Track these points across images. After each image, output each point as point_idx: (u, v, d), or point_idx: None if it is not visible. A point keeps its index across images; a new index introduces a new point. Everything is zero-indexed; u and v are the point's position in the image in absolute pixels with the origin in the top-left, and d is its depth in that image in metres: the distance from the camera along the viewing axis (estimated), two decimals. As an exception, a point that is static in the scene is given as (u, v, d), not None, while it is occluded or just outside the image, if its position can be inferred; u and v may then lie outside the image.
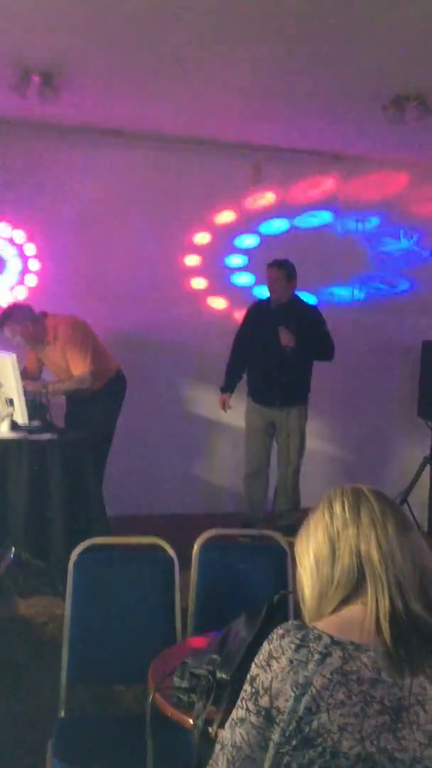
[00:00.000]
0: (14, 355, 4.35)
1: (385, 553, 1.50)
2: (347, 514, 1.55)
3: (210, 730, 1.87)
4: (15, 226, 5.58)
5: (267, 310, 5.32)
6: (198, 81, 4.57)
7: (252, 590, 2.86)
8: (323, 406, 6.01)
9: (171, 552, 2.87)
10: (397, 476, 5.91)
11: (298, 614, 1.65)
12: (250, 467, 5.42)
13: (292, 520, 5.20)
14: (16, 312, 4.87)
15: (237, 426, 5.62)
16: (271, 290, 5.29)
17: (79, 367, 4.86)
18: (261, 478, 5.39)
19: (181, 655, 2.19)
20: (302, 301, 5.41)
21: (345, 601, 1.53)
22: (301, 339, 5.17)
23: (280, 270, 5.23)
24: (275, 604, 2.11)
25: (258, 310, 5.40)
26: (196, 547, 2.95)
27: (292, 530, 4.71)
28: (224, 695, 1.91)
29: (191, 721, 1.95)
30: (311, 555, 1.57)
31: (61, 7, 3.59)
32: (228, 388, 5.39)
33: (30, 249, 5.63)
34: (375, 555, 1.50)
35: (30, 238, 5.62)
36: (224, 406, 5.40)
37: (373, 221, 6.38)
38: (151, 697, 2.10)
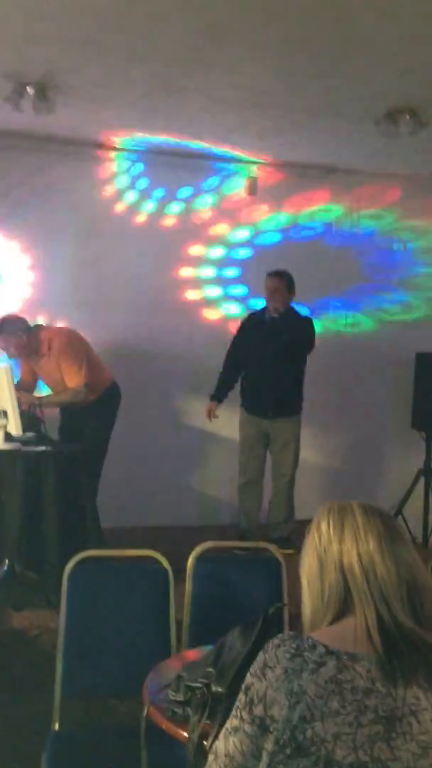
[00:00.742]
0: (9, 366, 4.35)
1: (366, 567, 1.53)
2: (331, 531, 1.59)
3: (205, 743, 1.86)
4: (9, 237, 5.59)
5: (261, 321, 5.33)
6: (192, 94, 4.59)
7: (247, 603, 2.85)
8: (317, 418, 6.01)
9: (166, 564, 2.86)
10: (392, 488, 5.91)
11: (292, 627, 1.66)
12: (243, 478, 5.42)
13: (286, 532, 5.20)
14: (9, 324, 4.87)
15: (232, 437, 5.62)
16: (269, 299, 5.29)
17: (74, 380, 4.86)
18: (255, 488, 5.38)
19: (176, 668, 2.19)
20: (297, 313, 5.42)
21: (339, 615, 1.56)
22: (293, 350, 5.20)
23: (282, 279, 5.26)
24: (270, 616, 2.11)
25: (252, 320, 5.42)
26: (191, 560, 2.94)
27: (286, 542, 4.75)
28: (219, 709, 1.90)
29: (186, 735, 1.94)
30: (305, 574, 1.62)
31: (56, 19, 3.61)
32: (216, 396, 5.40)
33: (25, 260, 5.64)
34: (357, 569, 1.53)
35: (25, 250, 5.63)
36: (210, 414, 5.41)
37: (367, 233, 6.41)
38: (146, 710, 2.09)
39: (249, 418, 5.36)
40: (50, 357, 4.92)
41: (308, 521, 1.68)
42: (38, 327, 5.01)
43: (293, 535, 5.01)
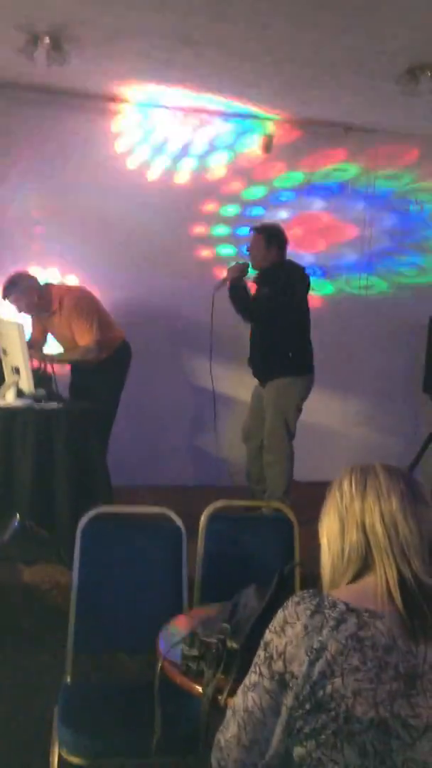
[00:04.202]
0: (22, 323, 4.33)
1: (389, 525, 1.53)
2: (354, 490, 1.58)
3: (219, 698, 1.87)
4: (21, 191, 5.53)
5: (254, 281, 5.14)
6: (209, 46, 4.50)
7: (259, 562, 2.85)
8: (329, 382, 5.97)
9: (179, 522, 2.86)
10: (403, 451, 5.90)
11: (304, 586, 1.66)
12: (243, 430, 5.34)
13: (260, 495, 5.08)
14: (20, 281, 4.84)
15: (242, 399, 5.60)
16: (250, 255, 5.09)
17: (85, 338, 4.84)
18: (249, 444, 5.26)
19: (188, 625, 2.19)
20: (283, 268, 5.04)
21: (358, 575, 1.56)
22: (269, 308, 4.93)
23: (258, 234, 5.04)
24: (285, 575, 2.10)
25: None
26: (203, 518, 2.94)
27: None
28: (234, 664, 1.90)
29: (200, 689, 1.95)
30: (325, 533, 1.61)
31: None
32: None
33: (36, 214, 5.58)
34: (379, 528, 1.53)
35: (36, 204, 5.57)
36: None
37: (383, 194, 6.32)
38: (160, 664, 2.10)
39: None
40: (61, 315, 4.89)
41: (320, 483, 1.68)
42: (49, 284, 4.98)
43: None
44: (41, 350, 5.01)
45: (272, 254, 5.04)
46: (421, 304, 6.20)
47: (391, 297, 6.37)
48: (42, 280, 4.97)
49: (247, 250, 5.11)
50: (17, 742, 2.91)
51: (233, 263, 5.07)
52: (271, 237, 5.04)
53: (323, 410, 5.94)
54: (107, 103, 5.57)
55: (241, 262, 5.03)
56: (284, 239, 5.08)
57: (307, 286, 5.12)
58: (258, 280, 5.07)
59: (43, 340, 5.15)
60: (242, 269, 4.98)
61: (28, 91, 5.28)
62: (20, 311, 4.90)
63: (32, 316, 5.04)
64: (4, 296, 4.84)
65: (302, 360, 5.10)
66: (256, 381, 5.22)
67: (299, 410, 5.11)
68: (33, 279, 4.90)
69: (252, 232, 5.10)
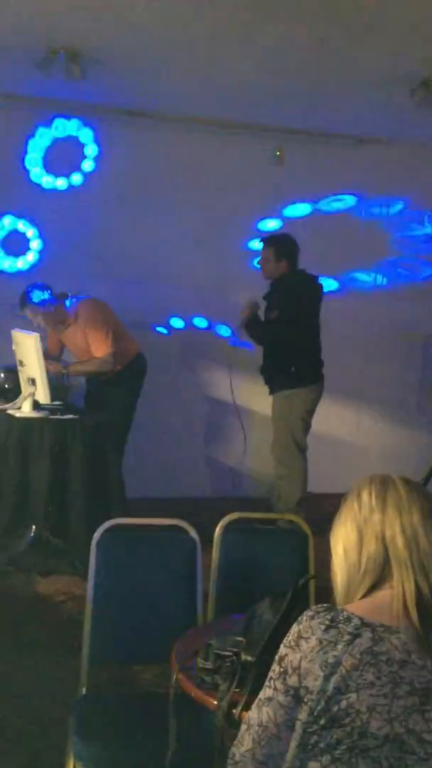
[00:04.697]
0: (37, 335, 4.36)
1: (410, 538, 1.52)
2: (373, 501, 1.57)
3: (234, 711, 1.87)
4: (37, 205, 5.57)
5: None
6: (223, 62, 4.53)
7: (273, 574, 2.85)
8: (342, 392, 5.99)
9: (194, 534, 2.86)
10: (419, 462, 5.87)
11: (319, 599, 1.65)
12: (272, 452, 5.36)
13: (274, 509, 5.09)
14: (36, 294, 4.88)
15: (258, 410, 5.61)
16: (261, 267, 5.12)
17: (101, 349, 4.86)
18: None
19: (204, 637, 2.19)
20: (292, 282, 5.08)
21: (374, 587, 1.55)
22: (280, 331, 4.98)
23: (267, 247, 5.08)
24: (300, 587, 2.10)
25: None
26: (218, 530, 2.94)
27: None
28: (248, 677, 1.90)
29: (214, 702, 1.95)
30: (341, 543, 1.60)
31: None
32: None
33: (49, 228, 5.62)
34: (399, 540, 1.52)
35: (50, 218, 5.61)
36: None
37: (397, 206, 6.32)
38: (175, 677, 2.10)
39: None
40: (76, 327, 4.92)
41: (335, 495, 1.67)
42: (64, 295, 5.01)
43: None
44: (57, 362, 5.03)
45: (282, 265, 5.06)
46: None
47: (404, 308, 6.36)
48: (58, 292, 5.00)
49: (258, 263, 5.13)
50: (32, 753, 2.91)
51: (246, 299, 5.04)
52: (281, 248, 5.06)
53: (338, 421, 5.94)
54: (123, 116, 5.61)
55: (248, 300, 5.03)
56: (294, 250, 5.09)
57: (318, 296, 5.11)
58: (268, 295, 5.07)
59: (59, 353, 5.18)
60: (251, 307, 4.99)
61: (44, 104, 5.33)
62: (36, 324, 4.93)
63: (48, 328, 5.07)
64: (21, 310, 4.87)
65: (307, 370, 5.08)
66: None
67: (305, 421, 5.08)
68: (48, 290, 4.93)
69: (262, 244, 5.12)
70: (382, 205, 6.30)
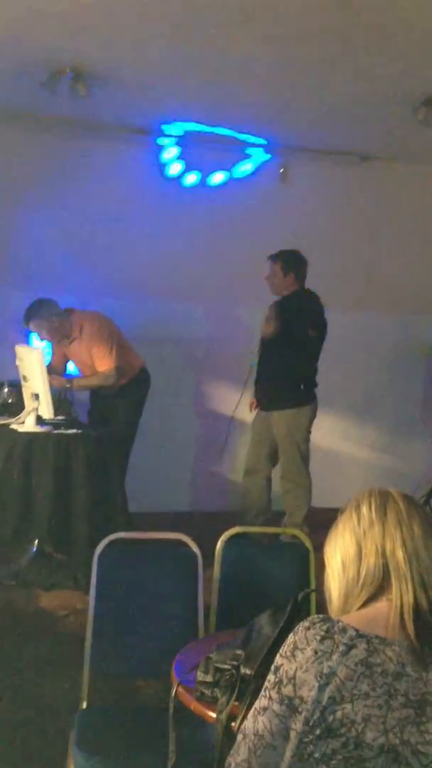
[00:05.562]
0: (41, 350, 4.39)
1: (410, 552, 1.53)
2: (374, 515, 1.58)
3: (233, 724, 1.88)
4: (44, 222, 5.62)
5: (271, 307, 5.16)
6: (228, 79, 4.58)
7: (275, 588, 2.85)
8: (345, 407, 6.00)
9: (195, 548, 2.87)
10: (422, 477, 5.89)
11: (320, 612, 1.66)
12: (246, 465, 5.37)
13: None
14: (41, 307, 4.92)
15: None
16: (269, 283, 5.14)
17: (105, 364, 4.89)
18: (256, 477, 5.27)
19: (205, 650, 2.20)
20: (301, 299, 5.09)
21: (370, 599, 1.56)
22: (282, 338, 4.96)
23: (274, 263, 5.10)
24: (300, 601, 2.11)
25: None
26: (219, 544, 2.95)
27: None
28: (248, 691, 1.91)
29: (214, 716, 1.95)
30: (338, 555, 1.60)
31: (93, 5, 3.61)
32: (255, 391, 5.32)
33: (58, 245, 5.66)
34: (400, 553, 1.53)
35: (58, 235, 5.65)
36: (251, 405, 5.35)
37: (401, 221, 6.35)
38: (175, 690, 2.11)
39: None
40: (81, 341, 4.96)
41: (337, 510, 1.67)
42: (70, 310, 5.05)
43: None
44: (61, 376, 5.06)
45: (289, 281, 5.08)
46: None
47: (407, 324, 6.38)
48: (63, 306, 5.04)
49: (266, 279, 5.15)
50: (33, 766, 2.91)
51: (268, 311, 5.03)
52: (288, 264, 5.08)
53: (340, 436, 5.96)
54: (129, 134, 5.66)
55: (271, 313, 4.99)
56: (301, 266, 5.11)
57: (322, 315, 5.14)
58: (275, 310, 5.08)
59: (63, 367, 5.21)
60: (270, 322, 4.96)
61: (49, 122, 5.38)
62: (41, 338, 4.97)
63: (53, 342, 5.11)
64: (26, 322, 4.91)
65: (309, 389, 5.14)
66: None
67: (309, 436, 5.16)
68: (54, 305, 4.97)
69: (269, 260, 5.14)
70: (385, 223, 6.31)
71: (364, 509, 1.59)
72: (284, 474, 5.18)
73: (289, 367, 5.05)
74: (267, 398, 5.15)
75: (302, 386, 5.09)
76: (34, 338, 5.24)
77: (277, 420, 5.11)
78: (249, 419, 5.73)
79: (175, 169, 5.87)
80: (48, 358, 5.06)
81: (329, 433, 6.15)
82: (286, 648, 1.49)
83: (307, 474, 5.16)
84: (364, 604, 1.55)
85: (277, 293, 5.13)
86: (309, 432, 5.15)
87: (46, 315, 4.89)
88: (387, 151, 5.95)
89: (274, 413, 5.12)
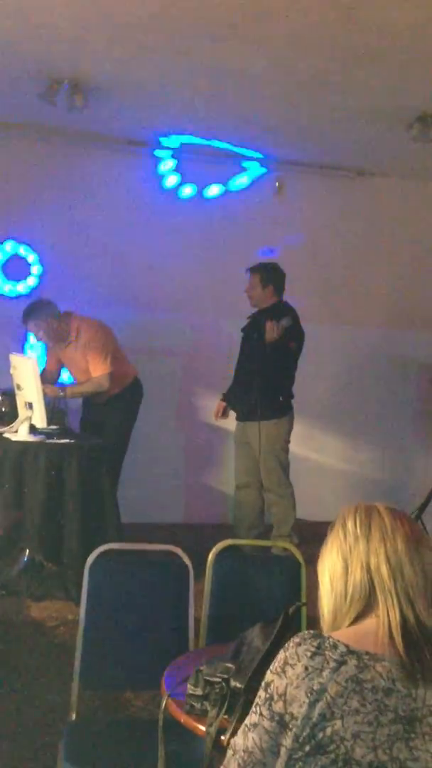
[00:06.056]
0: (35, 358, 4.39)
1: (394, 567, 1.53)
2: (358, 530, 1.58)
3: (222, 738, 1.88)
4: (39, 231, 5.64)
5: (251, 319, 5.19)
6: (225, 95, 4.61)
7: (266, 601, 2.85)
8: (340, 421, 6.01)
9: (186, 560, 2.87)
10: (415, 491, 5.89)
11: (310, 627, 1.66)
12: (236, 480, 5.36)
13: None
14: (41, 308, 4.93)
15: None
16: (248, 295, 5.17)
17: (99, 369, 4.89)
18: (247, 490, 5.26)
19: (195, 663, 2.20)
20: (279, 310, 5.09)
21: (360, 616, 1.56)
22: (260, 350, 4.98)
23: (254, 275, 5.12)
24: (290, 614, 2.11)
25: (251, 319, 5.25)
26: (210, 556, 2.95)
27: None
28: (237, 704, 1.91)
29: (203, 729, 1.95)
30: (327, 572, 1.61)
31: (91, 17, 3.64)
32: (225, 395, 5.33)
33: (51, 255, 5.68)
34: (384, 569, 1.53)
35: (53, 244, 5.67)
36: (216, 413, 5.35)
37: (395, 236, 6.38)
38: (164, 703, 2.11)
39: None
40: (77, 344, 4.97)
41: (330, 524, 1.68)
42: (68, 314, 5.04)
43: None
44: (54, 383, 5.06)
45: (268, 293, 5.12)
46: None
47: (402, 338, 6.41)
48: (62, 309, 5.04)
49: (245, 291, 5.18)
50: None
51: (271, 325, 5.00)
52: (267, 277, 5.11)
53: (334, 450, 5.96)
54: (125, 145, 5.68)
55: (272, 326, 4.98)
56: (280, 278, 5.14)
57: (301, 328, 5.16)
58: (257, 322, 5.09)
59: (57, 373, 5.21)
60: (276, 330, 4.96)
61: (46, 132, 5.40)
62: (38, 339, 4.98)
63: (48, 345, 5.12)
64: (24, 322, 4.92)
65: (287, 400, 5.16)
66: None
67: (288, 446, 5.16)
68: (53, 306, 4.98)
69: (248, 273, 5.17)
70: (379, 236, 6.34)
71: (350, 525, 1.60)
72: (267, 487, 5.18)
73: (269, 379, 5.05)
74: (246, 409, 5.15)
75: (281, 397, 5.11)
76: (31, 338, 5.26)
77: (255, 431, 5.10)
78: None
79: (171, 181, 5.90)
80: (42, 364, 5.06)
81: (321, 446, 6.16)
82: (276, 664, 1.49)
83: (288, 483, 5.16)
84: (355, 620, 1.55)
85: (256, 305, 5.16)
86: (288, 443, 5.16)
87: (44, 316, 4.90)
88: (381, 166, 5.99)
89: (253, 424, 5.12)
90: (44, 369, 5.07)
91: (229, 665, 2.00)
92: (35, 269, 5.72)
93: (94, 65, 4.27)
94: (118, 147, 5.67)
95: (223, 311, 5.99)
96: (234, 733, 1.73)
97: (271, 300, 5.13)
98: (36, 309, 4.91)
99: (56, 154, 5.56)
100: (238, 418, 5.26)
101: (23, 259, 5.69)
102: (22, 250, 5.69)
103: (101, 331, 5.02)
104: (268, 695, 1.47)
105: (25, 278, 5.70)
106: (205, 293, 6.01)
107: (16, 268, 5.67)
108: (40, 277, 5.71)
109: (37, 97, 4.50)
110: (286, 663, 1.47)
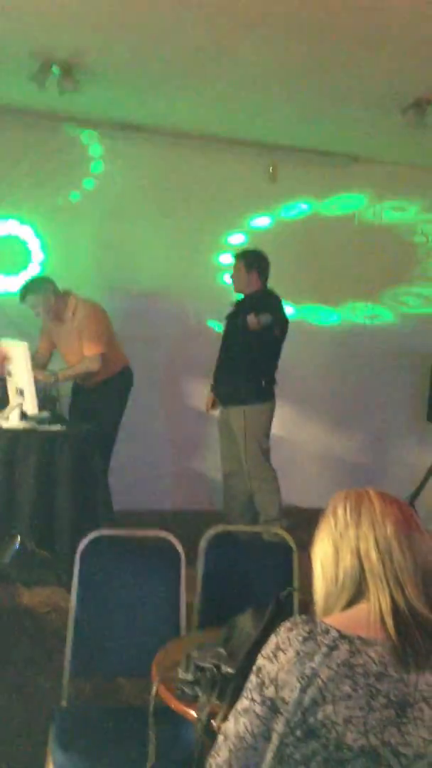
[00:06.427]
0: (26, 344, 4.37)
1: (383, 552, 1.52)
2: (348, 516, 1.58)
3: (213, 723, 1.87)
4: (30, 216, 5.60)
5: (234, 307, 5.19)
6: (218, 78, 4.57)
7: (258, 587, 2.85)
8: (332, 409, 6.01)
9: (178, 546, 2.86)
10: (406, 480, 5.90)
11: (302, 612, 1.66)
12: (223, 468, 5.36)
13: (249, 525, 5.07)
14: (39, 284, 4.92)
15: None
16: (232, 281, 5.16)
17: (92, 348, 4.87)
18: (235, 478, 5.25)
19: (186, 649, 2.19)
20: (265, 297, 5.08)
21: (352, 601, 1.55)
22: (241, 335, 4.97)
23: (238, 260, 5.12)
24: (282, 600, 2.10)
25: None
26: (202, 542, 2.94)
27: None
28: (228, 689, 1.90)
29: (194, 714, 1.95)
30: (319, 558, 1.61)
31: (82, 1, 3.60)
32: (213, 387, 5.33)
33: (43, 238, 5.64)
34: (373, 554, 1.53)
35: (45, 230, 5.63)
36: (207, 406, 5.36)
37: (389, 225, 6.36)
38: (155, 688, 2.10)
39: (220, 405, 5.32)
40: (72, 323, 4.95)
41: (321, 511, 1.67)
42: (68, 293, 5.01)
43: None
44: (45, 367, 5.03)
45: (252, 279, 5.09)
46: (426, 334, 6.24)
47: (395, 327, 6.40)
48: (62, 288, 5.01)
49: (231, 277, 5.17)
50: (13, 764, 2.89)
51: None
52: (251, 263, 5.09)
53: (328, 438, 5.95)
54: (116, 129, 5.64)
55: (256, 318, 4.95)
56: (265, 265, 5.12)
57: (285, 315, 5.15)
58: (241, 307, 5.07)
59: (49, 357, 5.17)
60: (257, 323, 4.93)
61: (36, 116, 5.36)
62: (36, 315, 4.95)
63: (43, 325, 5.08)
64: (22, 298, 4.88)
65: (269, 386, 5.14)
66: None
67: (269, 432, 5.15)
68: (52, 283, 4.95)
69: (233, 258, 5.15)
70: (373, 224, 6.32)
71: (340, 511, 1.60)
72: (249, 473, 5.17)
73: (252, 364, 5.04)
74: (228, 394, 5.14)
75: (263, 383, 5.10)
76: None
77: (235, 416, 5.10)
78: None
79: (162, 165, 5.84)
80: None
81: (314, 433, 6.16)
82: (268, 649, 1.49)
83: (270, 467, 5.15)
84: (347, 605, 1.55)
85: (240, 290, 5.14)
86: (269, 429, 5.15)
87: (44, 291, 4.87)
88: (378, 152, 5.97)
89: (236, 409, 5.11)
90: (37, 351, 5.04)
91: (220, 650, 1.99)
92: (36, 257, 5.66)
93: (86, 48, 4.22)
94: (110, 131, 5.62)
95: (210, 297, 5.96)
96: (225, 718, 1.73)
97: (254, 286, 5.10)
98: (35, 284, 4.90)
99: (46, 137, 5.50)
100: (221, 404, 5.24)
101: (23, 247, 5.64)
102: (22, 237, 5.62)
103: (98, 312, 5.00)
104: (259, 680, 1.46)
105: (25, 267, 5.63)
106: (201, 279, 5.98)
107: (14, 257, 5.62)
108: (41, 264, 5.65)
109: (28, 80, 4.46)
110: (277, 648, 1.47)
